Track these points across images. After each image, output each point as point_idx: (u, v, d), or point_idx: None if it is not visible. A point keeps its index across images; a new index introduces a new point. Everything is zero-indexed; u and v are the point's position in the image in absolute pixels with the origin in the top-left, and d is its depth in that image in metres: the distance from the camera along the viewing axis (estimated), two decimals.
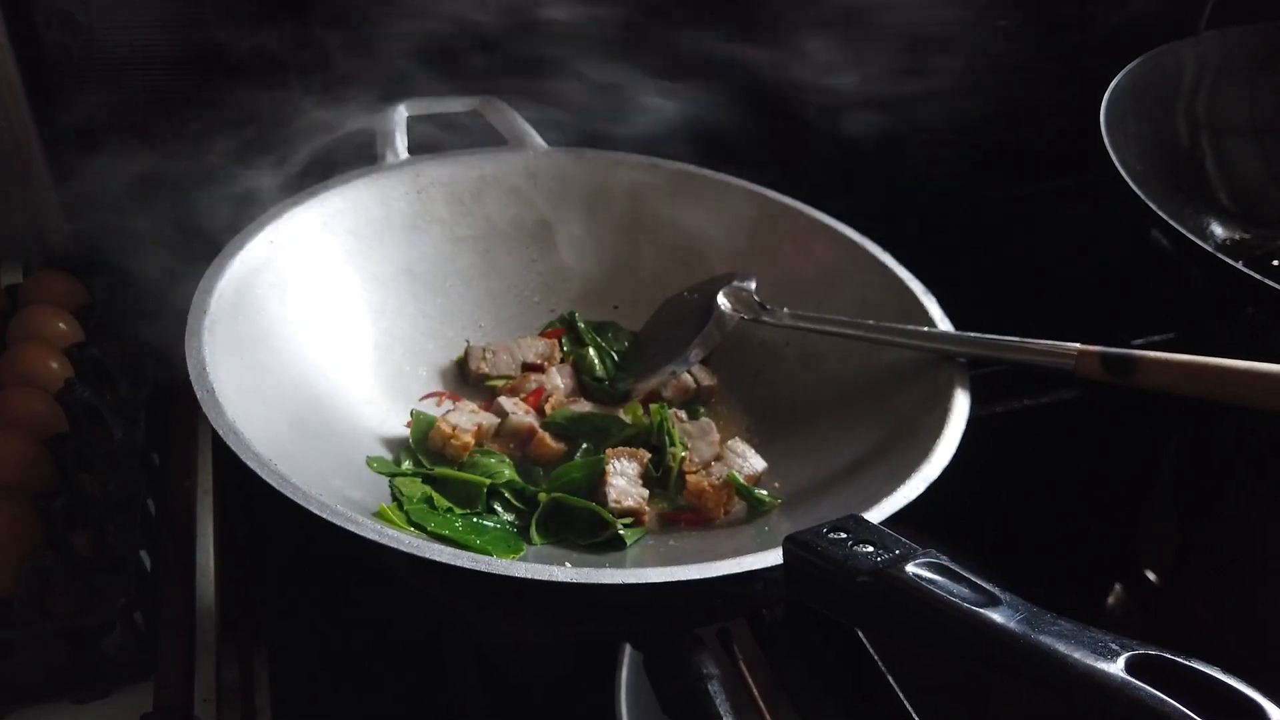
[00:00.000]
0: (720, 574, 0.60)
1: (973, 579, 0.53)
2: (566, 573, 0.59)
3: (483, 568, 0.58)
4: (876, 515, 0.65)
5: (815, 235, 0.91)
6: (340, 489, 0.69)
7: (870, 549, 0.56)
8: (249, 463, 0.62)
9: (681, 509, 0.80)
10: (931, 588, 0.52)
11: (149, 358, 0.93)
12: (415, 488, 0.75)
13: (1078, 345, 0.75)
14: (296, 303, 0.81)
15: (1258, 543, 1.06)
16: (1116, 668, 0.44)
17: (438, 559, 0.59)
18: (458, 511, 0.74)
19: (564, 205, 0.97)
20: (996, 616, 0.49)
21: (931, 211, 1.20)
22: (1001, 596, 0.50)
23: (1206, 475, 1.12)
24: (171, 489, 0.89)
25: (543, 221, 0.96)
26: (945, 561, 0.54)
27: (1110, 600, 1.24)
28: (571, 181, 0.97)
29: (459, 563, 0.58)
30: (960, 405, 0.76)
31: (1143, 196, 0.95)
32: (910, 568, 0.53)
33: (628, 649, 0.85)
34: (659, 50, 1.03)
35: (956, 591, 0.51)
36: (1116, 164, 0.99)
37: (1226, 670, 0.44)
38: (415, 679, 0.94)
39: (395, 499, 0.74)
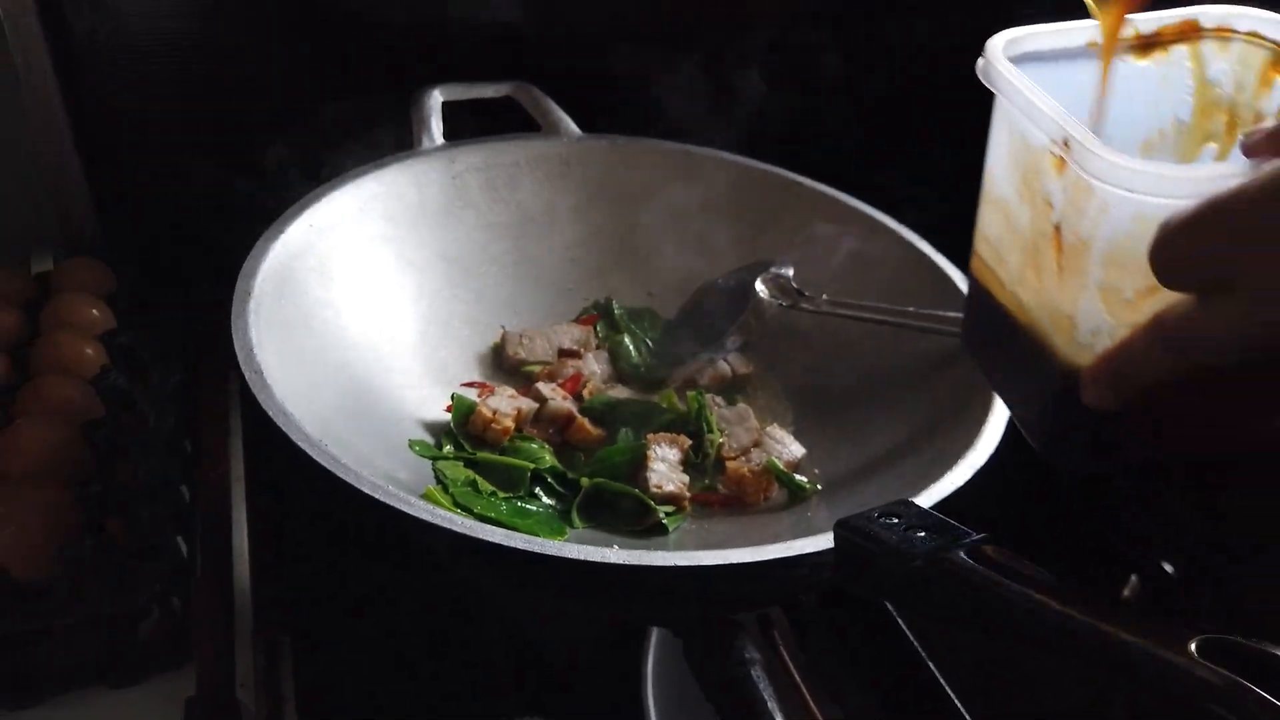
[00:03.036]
0: (771, 558, 0.60)
1: (1028, 565, 0.52)
2: (619, 554, 0.59)
3: (536, 549, 0.58)
4: (925, 500, 0.65)
5: (851, 221, 0.90)
6: (387, 470, 0.69)
7: (923, 534, 0.56)
8: (300, 444, 0.62)
9: (714, 490, 0.80)
10: (990, 572, 0.51)
11: (180, 345, 0.93)
12: (459, 471, 0.75)
13: None
14: (337, 286, 0.81)
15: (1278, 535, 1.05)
16: (1187, 651, 0.43)
17: (490, 539, 0.59)
18: (501, 495, 0.74)
19: (598, 192, 0.96)
20: (1057, 602, 0.48)
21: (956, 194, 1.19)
22: (1057, 583, 0.50)
23: (1227, 465, 1.12)
24: (204, 476, 0.89)
25: (577, 208, 0.96)
26: (1000, 547, 0.54)
27: (1126, 592, 1.24)
28: (606, 168, 0.96)
29: (512, 543, 0.58)
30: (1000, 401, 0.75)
31: None
32: (965, 553, 0.53)
33: (654, 635, 0.85)
34: None
35: (1013, 576, 0.51)
36: None
37: None
38: (443, 665, 0.94)
39: (440, 481, 0.74)
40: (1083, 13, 0.57)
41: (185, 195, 1.04)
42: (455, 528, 0.58)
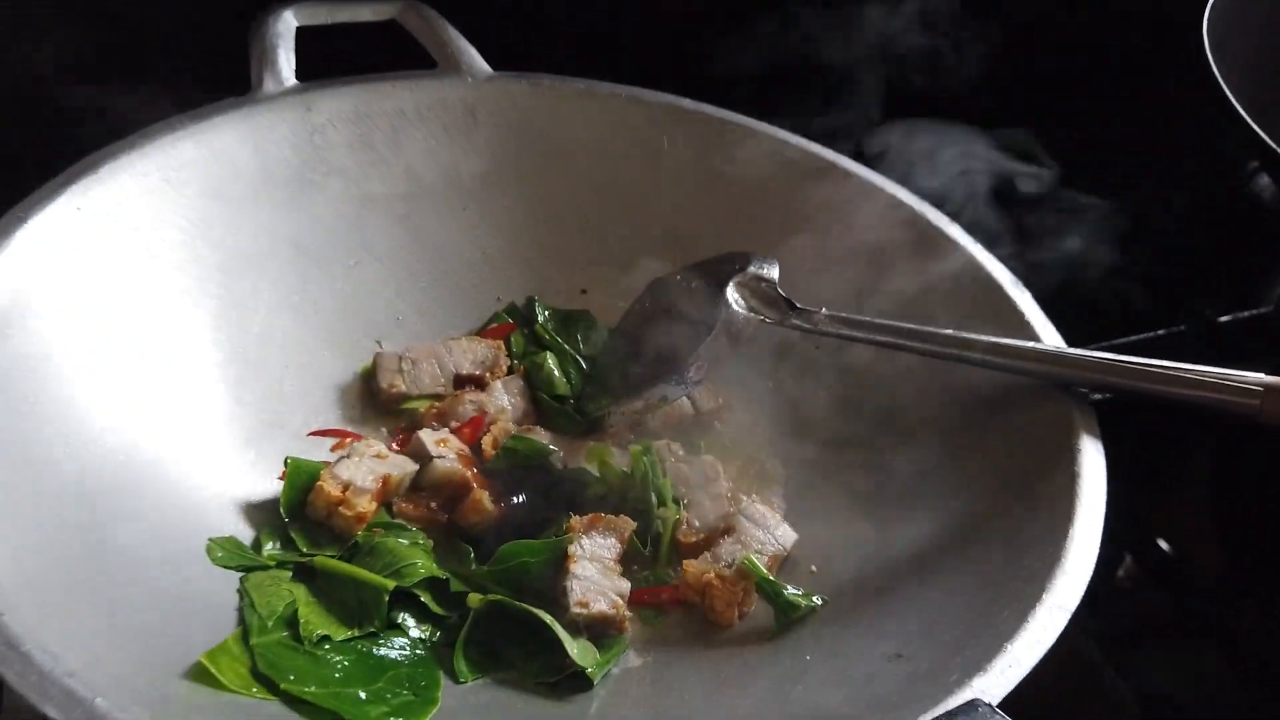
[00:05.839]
0: None
1: None
2: None
3: None
4: (998, 684, 0.44)
5: (862, 203, 0.73)
6: (135, 624, 0.45)
7: None
8: None
9: (665, 585, 0.62)
10: None
11: None
12: (277, 595, 0.52)
13: (1262, 376, 0.57)
14: (98, 307, 0.60)
15: None
16: None
17: None
18: (338, 640, 0.50)
19: (515, 152, 0.79)
20: None
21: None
22: None
23: (1245, 471, 0.96)
24: None
25: (486, 174, 0.78)
26: None
27: (1120, 573, 1.08)
28: (525, 119, 0.78)
29: None
30: (1092, 470, 0.56)
31: (1252, 124, 0.79)
32: None
33: None
34: None
35: None
36: (1223, 86, 0.83)
37: None
38: None
39: (243, 621, 0.49)
40: None
41: None
42: None
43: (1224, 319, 0.86)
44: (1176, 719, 0.74)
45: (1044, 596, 0.47)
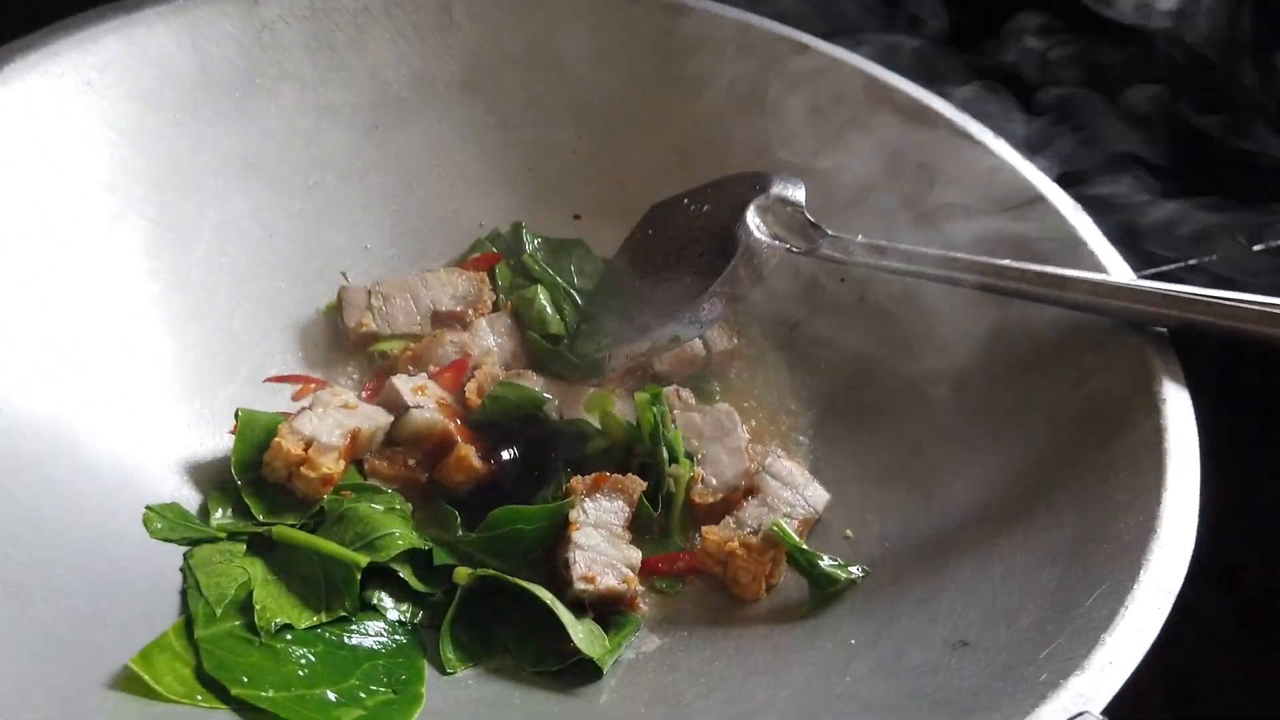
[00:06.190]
0: None
1: None
2: None
3: None
4: (1099, 686, 0.36)
5: (899, 116, 0.65)
6: (52, 619, 0.38)
7: None
8: None
9: (681, 552, 0.55)
10: None
11: None
12: (228, 574, 0.44)
13: None
14: (5, 234, 0.52)
15: None
16: None
17: None
18: (300, 627, 0.42)
19: (497, 55, 0.72)
20: None
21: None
22: None
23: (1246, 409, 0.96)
24: None
25: (464, 81, 0.71)
26: None
27: None
28: (508, 18, 0.71)
29: None
30: (1179, 422, 0.48)
31: None
32: None
33: None
34: None
35: None
36: None
37: None
38: None
39: (185, 609, 0.41)
40: None
41: None
42: None
43: (1258, 247, 0.79)
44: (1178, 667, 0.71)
45: (1141, 575, 0.40)
